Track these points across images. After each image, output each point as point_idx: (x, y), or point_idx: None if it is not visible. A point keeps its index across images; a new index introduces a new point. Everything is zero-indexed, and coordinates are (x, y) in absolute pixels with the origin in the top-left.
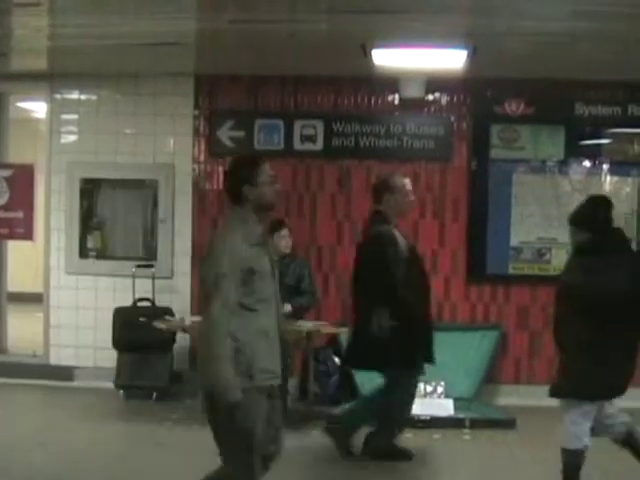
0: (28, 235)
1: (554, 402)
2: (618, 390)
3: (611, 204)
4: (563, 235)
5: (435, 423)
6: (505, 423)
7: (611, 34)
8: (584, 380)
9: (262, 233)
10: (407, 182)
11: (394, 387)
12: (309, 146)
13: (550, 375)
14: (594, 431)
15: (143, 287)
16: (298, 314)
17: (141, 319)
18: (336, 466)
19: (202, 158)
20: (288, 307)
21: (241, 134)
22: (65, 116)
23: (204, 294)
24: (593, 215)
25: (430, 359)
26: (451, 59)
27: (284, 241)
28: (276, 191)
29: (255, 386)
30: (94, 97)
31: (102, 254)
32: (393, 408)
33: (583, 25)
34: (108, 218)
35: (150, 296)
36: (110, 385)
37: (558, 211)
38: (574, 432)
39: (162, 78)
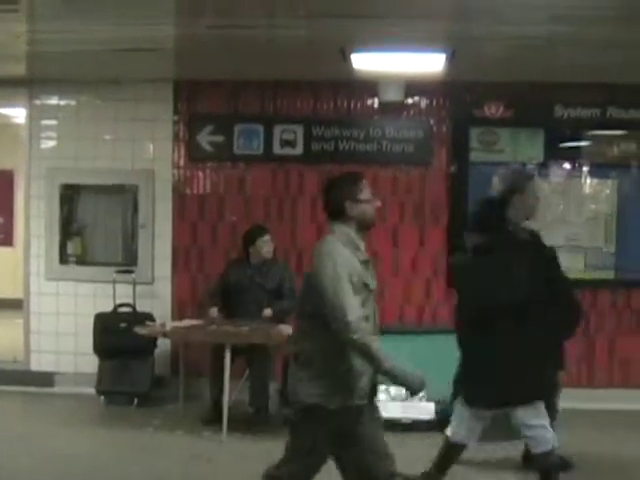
0: (8, 241)
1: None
2: (519, 398)
3: (504, 205)
4: (543, 238)
5: (417, 426)
6: None
7: (589, 37)
8: (481, 384)
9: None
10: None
11: None
12: (289, 151)
13: None
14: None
15: (124, 292)
16: (279, 318)
17: (122, 325)
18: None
19: (182, 163)
20: (269, 311)
21: (221, 139)
22: (44, 122)
23: (307, 312)
24: (487, 217)
25: None
26: (430, 63)
27: (266, 246)
28: (377, 208)
29: (355, 404)
30: (73, 103)
31: (82, 260)
32: None
33: (561, 29)
34: (88, 224)
35: (131, 301)
36: (91, 391)
37: (538, 214)
38: (459, 423)
39: (141, 83)
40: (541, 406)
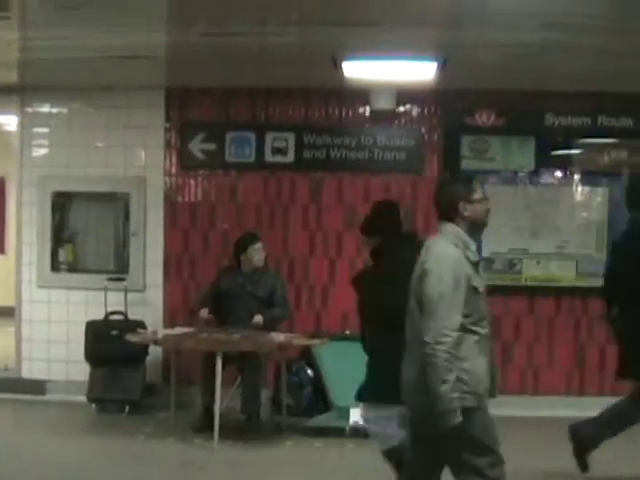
0: None
1: (526, 412)
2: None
3: (397, 207)
4: (534, 246)
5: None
6: None
7: (580, 46)
8: (387, 384)
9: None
10: None
11: None
12: (280, 158)
13: (522, 385)
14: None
15: (115, 300)
16: (270, 326)
17: (113, 332)
18: (310, 475)
19: (174, 171)
20: (259, 319)
21: (212, 146)
22: (36, 129)
23: (413, 312)
24: (380, 220)
25: None
26: (422, 71)
27: (258, 254)
28: (488, 209)
29: (481, 407)
30: (65, 110)
31: (74, 267)
32: None
33: (553, 37)
34: (80, 231)
35: (122, 309)
36: (82, 398)
37: (529, 222)
38: (382, 434)
39: (133, 91)
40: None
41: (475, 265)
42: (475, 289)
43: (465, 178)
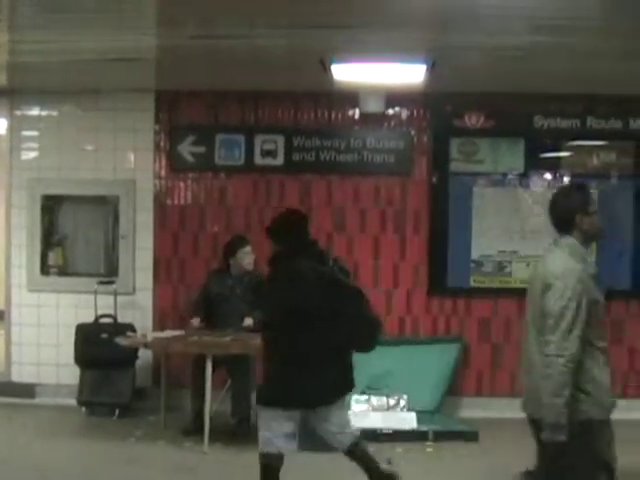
0: None
1: (516, 414)
2: (316, 401)
3: (305, 218)
4: (524, 248)
5: (398, 436)
6: (468, 435)
7: (569, 48)
8: (279, 389)
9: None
10: None
11: None
12: (270, 161)
13: (512, 387)
14: (314, 446)
15: (105, 303)
16: (261, 328)
17: (103, 335)
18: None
19: (163, 173)
20: (249, 320)
21: (202, 149)
22: (26, 132)
23: (538, 325)
24: (286, 229)
25: None
26: (410, 73)
27: (247, 258)
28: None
29: (607, 420)
30: (55, 113)
31: (63, 271)
32: None
33: (541, 39)
34: (69, 234)
35: (112, 312)
36: (72, 402)
37: (519, 224)
38: (268, 437)
39: (123, 94)
40: (342, 406)
41: (594, 277)
42: (596, 302)
43: (582, 188)
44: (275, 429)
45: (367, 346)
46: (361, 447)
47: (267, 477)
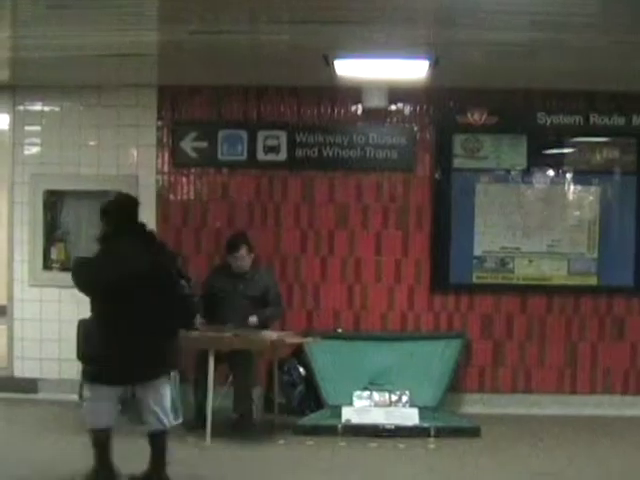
0: None
1: (519, 410)
2: (138, 376)
3: (134, 202)
4: (526, 244)
5: (400, 432)
6: (470, 431)
7: (572, 44)
8: (101, 365)
9: None
10: None
11: None
12: (272, 157)
13: (514, 384)
14: (131, 419)
15: None
16: (264, 324)
17: None
18: (302, 474)
19: (166, 169)
20: (254, 319)
21: (204, 145)
22: (28, 128)
23: None
24: (115, 211)
25: None
26: (413, 69)
27: (235, 262)
28: None
29: None
30: (57, 109)
31: (66, 266)
32: None
33: (544, 35)
34: (72, 230)
35: None
36: (75, 397)
37: (521, 220)
38: (94, 412)
39: (125, 89)
40: (162, 386)
41: None
42: None
43: None
44: (101, 405)
45: (183, 324)
46: (165, 439)
47: (99, 453)
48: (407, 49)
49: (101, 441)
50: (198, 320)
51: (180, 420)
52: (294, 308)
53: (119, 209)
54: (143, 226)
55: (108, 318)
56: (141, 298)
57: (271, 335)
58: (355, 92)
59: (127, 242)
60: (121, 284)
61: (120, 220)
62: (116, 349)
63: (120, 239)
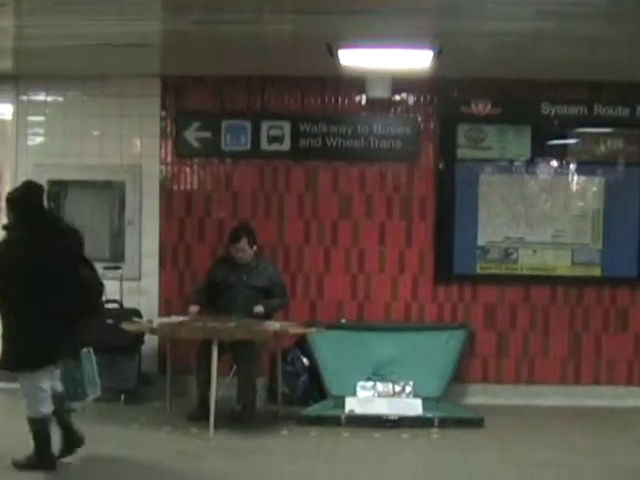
0: None
1: (522, 401)
2: (56, 356)
3: (39, 188)
4: (530, 235)
5: (403, 423)
6: (473, 422)
7: (576, 34)
8: (27, 350)
9: None
10: None
11: None
12: (276, 147)
13: (518, 374)
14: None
15: (111, 289)
16: (267, 315)
17: (109, 321)
18: (306, 464)
19: (169, 159)
20: (260, 308)
21: (208, 135)
22: (31, 118)
23: None
24: (21, 198)
25: None
26: (417, 59)
27: (237, 253)
28: None
29: None
30: (61, 99)
31: None
32: None
33: (548, 25)
34: (75, 220)
35: (118, 298)
36: None
37: (525, 211)
38: (33, 401)
39: (129, 79)
40: (37, 373)
41: None
42: None
43: None
44: (37, 393)
45: (92, 310)
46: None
47: (39, 443)
48: (411, 39)
49: (43, 430)
50: (195, 310)
51: (99, 393)
52: (297, 298)
53: (22, 197)
54: (47, 213)
55: (22, 302)
56: (49, 284)
57: (274, 325)
58: (359, 82)
59: (30, 229)
60: (30, 270)
61: (24, 207)
62: (30, 334)
63: (24, 226)
